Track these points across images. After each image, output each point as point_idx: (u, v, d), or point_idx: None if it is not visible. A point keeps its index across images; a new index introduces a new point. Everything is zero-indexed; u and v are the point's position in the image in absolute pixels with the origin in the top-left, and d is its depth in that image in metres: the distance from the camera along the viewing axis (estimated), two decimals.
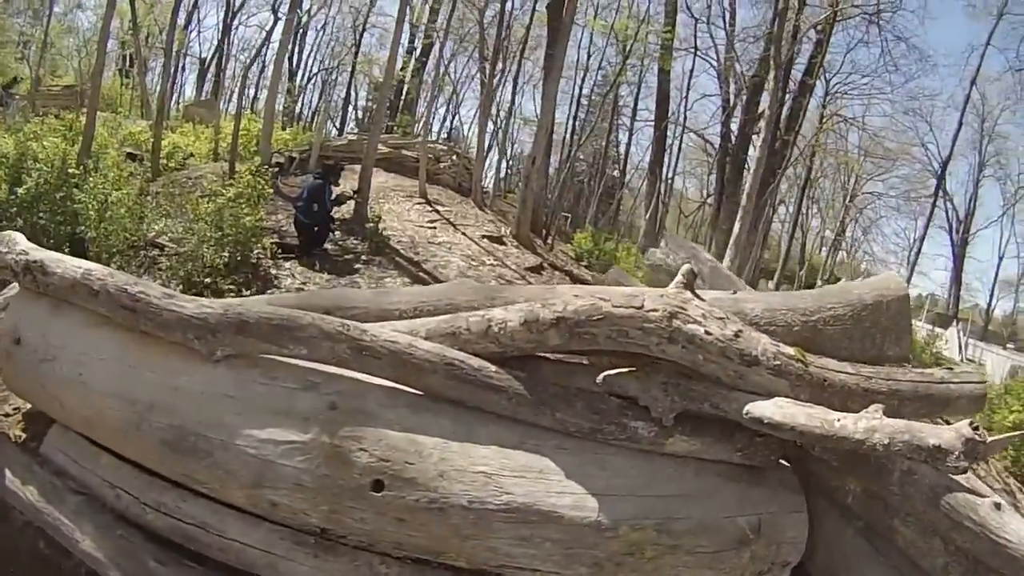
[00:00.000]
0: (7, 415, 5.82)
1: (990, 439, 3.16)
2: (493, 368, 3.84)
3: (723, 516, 3.99)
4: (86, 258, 10.33)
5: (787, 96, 32.73)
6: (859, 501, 4.07)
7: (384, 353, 3.89)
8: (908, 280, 38.25)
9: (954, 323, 48.30)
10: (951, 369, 3.77)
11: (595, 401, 3.86)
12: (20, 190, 10.70)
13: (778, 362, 3.65)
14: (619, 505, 3.85)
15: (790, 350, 3.72)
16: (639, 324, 3.60)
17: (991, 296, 56.94)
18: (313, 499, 4.01)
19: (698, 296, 3.86)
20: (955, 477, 3.47)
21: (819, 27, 31.07)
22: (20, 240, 5.28)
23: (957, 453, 3.09)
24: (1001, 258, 54.61)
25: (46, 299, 4.94)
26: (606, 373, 3.81)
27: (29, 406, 5.61)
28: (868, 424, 3.30)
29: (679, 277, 3.89)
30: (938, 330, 44.97)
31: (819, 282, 41.08)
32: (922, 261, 42.97)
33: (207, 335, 4.16)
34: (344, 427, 4.00)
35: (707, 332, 3.60)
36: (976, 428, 3.11)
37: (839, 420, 3.41)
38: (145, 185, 16.66)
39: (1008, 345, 49.68)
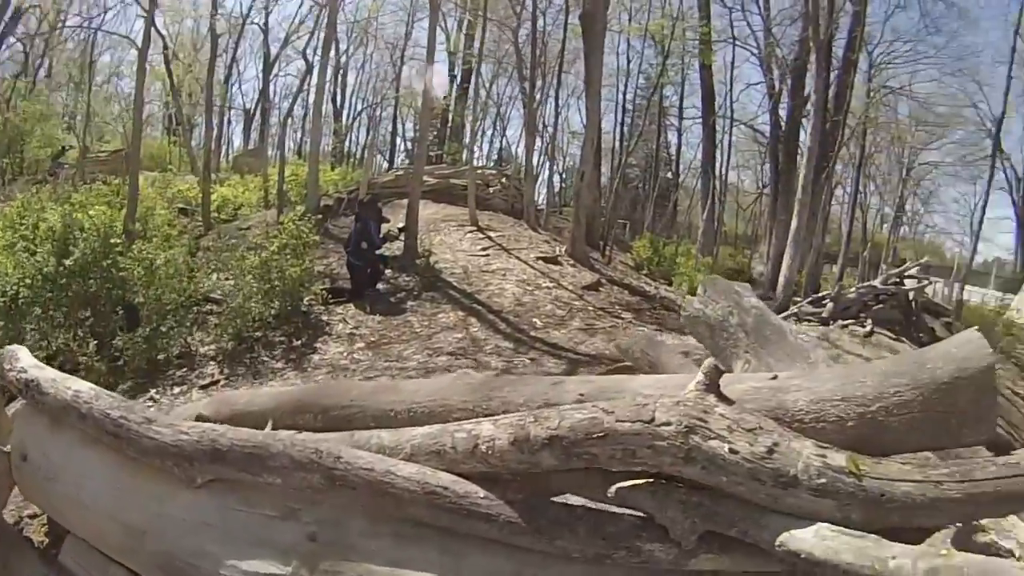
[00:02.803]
0: (33, 516, 5.80)
1: None
2: (481, 494, 3.44)
3: None
4: (139, 321, 10.79)
5: (832, 75, 32.15)
6: None
7: (359, 483, 3.60)
8: (973, 249, 37.30)
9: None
10: (1018, 463, 3.07)
11: (602, 523, 3.36)
12: (68, 261, 10.76)
13: (823, 480, 2.98)
14: None
15: (841, 459, 3.04)
16: (648, 442, 3.07)
17: None
18: None
19: (724, 399, 3.21)
20: None
21: None
22: (22, 356, 5.24)
23: None
24: None
25: (46, 415, 4.91)
26: (618, 485, 3.30)
27: None
28: (931, 564, 2.66)
29: (700, 375, 3.23)
30: (1008, 296, 43.84)
31: (883, 265, 40.23)
32: (986, 226, 41.80)
33: (184, 463, 4.01)
34: (324, 561, 3.74)
35: (732, 450, 2.99)
36: None
37: (894, 558, 2.74)
38: (195, 242, 16.93)
39: None
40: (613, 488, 3.27)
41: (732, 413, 3.15)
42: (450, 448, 3.61)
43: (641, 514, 3.32)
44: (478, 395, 4.27)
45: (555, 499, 3.55)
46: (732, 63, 42.52)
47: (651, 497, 3.23)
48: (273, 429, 4.34)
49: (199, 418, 5.08)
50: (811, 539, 2.91)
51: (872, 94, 38.27)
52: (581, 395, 3.83)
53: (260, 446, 3.83)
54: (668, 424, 3.06)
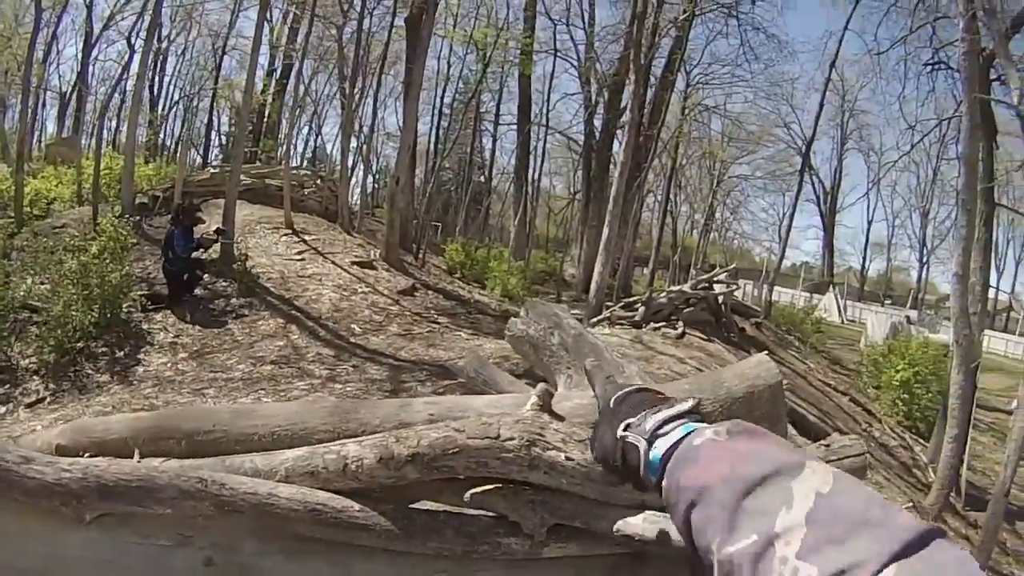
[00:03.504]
0: None
1: None
2: (357, 507, 3.76)
3: None
4: None
5: (648, 92, 33.37)
6: None
7: (246, 506, 3.71)
8: (781, 254, 39.33)
9: (830, 288, 50.96)
10: (828, 446, 3.71)
11: (465, 524, 3.72)
12: None
13: None
14: None
15: None
16: (497, 455, 3.43)
17: (864, 258, 61.71)
18: None
19: (557, 416, 3.68)
20: None
21: (678, 23, 31.63)
22: None
23: None
24: (870, 223, 59.13)
25: None
26: (472, 491, 3.73)
27: None
28: None
29: (534, 397, 3.71)
30: (816, 297, 47.34)
31: (693, 270, 41.89)
32: (793, 234, 44.77)
33: (72, 500, 3.84)
34: None
35: (568, 458, 3.36)
36: None
37: None
38: (8, 241, 16.05)
39: (885, 301, 52.99)
40: (468, 494, 3.66)
41: (564, 427, 3.54)
42: (322, 468, 3.86)
43: (496, 514, 3.69)
44: (336, 418, 4.45)
45: (418, 506, 3.90)
46: (552, 74, 43.51)
47: (503, 500, 3.62)
48: (141, 457, 4.26)
49: (58, 449, 4.99)
50: (641, 523, 3.36)
51: (687, 111, 40.08)
52: (431, 415, 4.14)
53: (145, 479, 3.81)
54: (512, 439, 3.44)
